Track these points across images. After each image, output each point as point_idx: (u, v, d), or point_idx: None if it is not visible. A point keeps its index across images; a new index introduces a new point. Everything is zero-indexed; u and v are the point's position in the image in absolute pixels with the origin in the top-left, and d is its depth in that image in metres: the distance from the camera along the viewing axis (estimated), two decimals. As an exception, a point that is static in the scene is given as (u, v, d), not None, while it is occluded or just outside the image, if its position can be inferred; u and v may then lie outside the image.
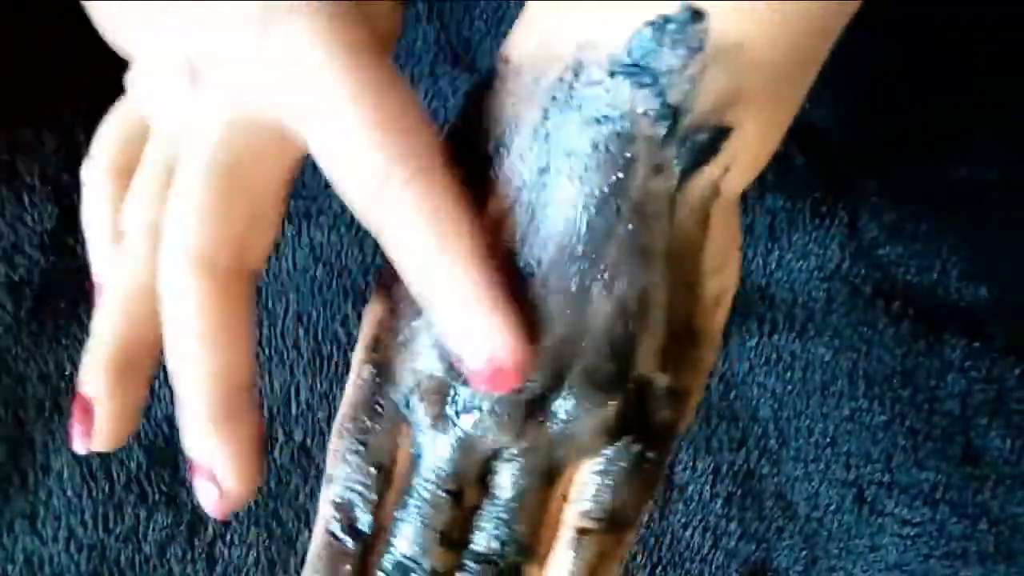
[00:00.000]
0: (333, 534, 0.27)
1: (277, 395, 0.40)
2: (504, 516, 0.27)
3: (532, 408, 0.26)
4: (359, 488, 0.28)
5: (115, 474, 0.39)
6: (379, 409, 0.28)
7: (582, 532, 0.27)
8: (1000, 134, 0.45)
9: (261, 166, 0.25)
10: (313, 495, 0.39)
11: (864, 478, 0.40)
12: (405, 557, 0.27)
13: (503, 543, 0.27)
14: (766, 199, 0.43)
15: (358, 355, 0.29)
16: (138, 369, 0.27)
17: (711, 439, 0.40)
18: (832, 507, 0.40)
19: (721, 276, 0.27)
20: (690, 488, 0.40)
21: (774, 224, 0.43)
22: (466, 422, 0.27)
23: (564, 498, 0.28)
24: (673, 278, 0.26)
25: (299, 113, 0.24)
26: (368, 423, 0.28)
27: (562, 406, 0.26)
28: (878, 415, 0.41)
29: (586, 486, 0.27)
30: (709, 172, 0.25)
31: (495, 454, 0.27)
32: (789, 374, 0.41)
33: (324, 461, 0.39)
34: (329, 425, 0.40)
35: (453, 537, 0.27)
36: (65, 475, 0.39)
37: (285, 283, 0.41)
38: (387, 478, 0.28)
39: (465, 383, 0.26)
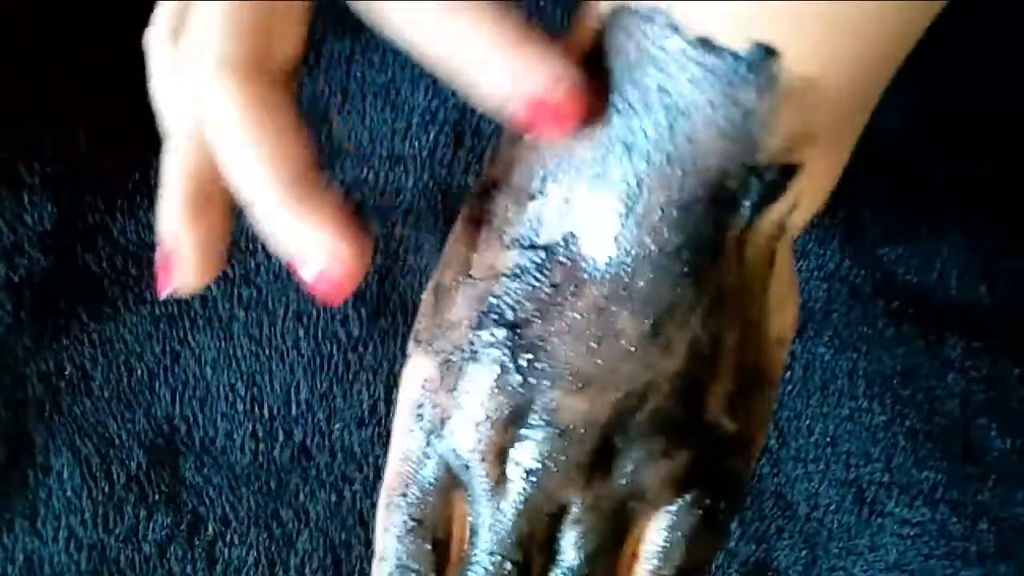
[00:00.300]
0: None
1: (277, 395, 0.40)
2: None
3: (597, 459, 0.25)
4: (415, 567, 0.26)
5: (115, 474, 0.39)
6: (432, 479, 0.26)
7: None
8: (1001, 134, 0.45)
9: None
10: (313, 495, 0.39)
11: (864, 478, 0.40)
12: None
13: None
14: (766, 199, 0.43)
15: (402, 422, 0.27)
16: (212, 202, 0.26)
17: (711, 439, 0.40)
18: (832, 507, 0.40)
19: (784, 315, 0.27)
20: (690, 488, 0.40)
21: (774, 224, 0.43)
22: (529, 480, 0.25)
23: (633, 555, 0.26)
24: (743, 319, 0.25)
25: None
26: (420, 495, 0.26)
27: (629, 456, 0.25)
28: (878, 415, 0.41)
29: (655, 543, 0.26)
30: (777, 210, 0.24)
31: (559, 516, 0.26)
32: (789, 374, 0.41)
33: (324, 461, 0.39)
34: (329, 425, 0.40)
35: None
36: (65, 475, 0.39)
37: (285, 283, 0.41)
38: (444, 553, 0.26)
39: (531, 426, 0.25)
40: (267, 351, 0.40)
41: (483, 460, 0.26)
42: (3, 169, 0.41)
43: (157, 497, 0.39)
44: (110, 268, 0.41)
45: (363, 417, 0.40)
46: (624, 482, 0.25)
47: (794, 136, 0.23)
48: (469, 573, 0.26)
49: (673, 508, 0.26)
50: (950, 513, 0.40)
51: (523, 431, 0.25)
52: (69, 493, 0.39)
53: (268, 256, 0.41)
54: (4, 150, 0.41)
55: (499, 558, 0.26)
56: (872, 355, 0.41)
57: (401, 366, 0.28)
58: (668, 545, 0.26)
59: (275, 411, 0.40)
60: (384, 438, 0.40)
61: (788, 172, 0.24)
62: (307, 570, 0.38)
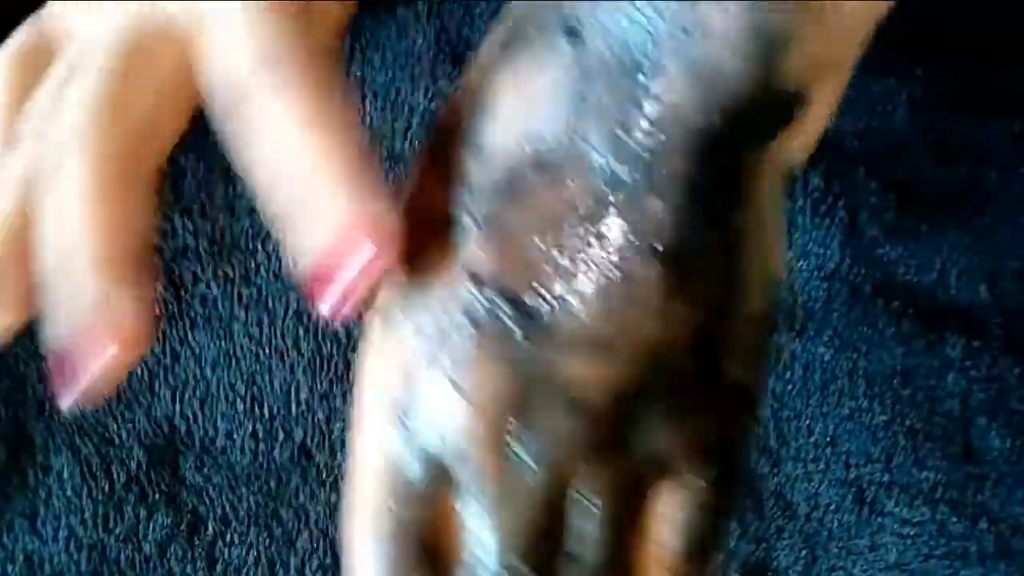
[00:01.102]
0: None
1: (277, 395, 0.40)
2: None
3: (612, 434, 0.22)
4: None
5: (115, 474, 0.39)
6: (416, 480, 0.23)
7: (670, 571, 0.24)
8: (1001, 134, 0.45)
9: (161, 57, 0.24)
10: (313, 495, 0.39)
11: (864, 478, 0.40)
12: None
13: None
14: (766, 199, 0.43)
15: (370, 416, 0.24)
16: (14, 269, 0.24)
17: (711, 439, 0.40)
18: (832, 507, 0.40)
19: (779, 254, 0.24)
20: (690, 488, 0.40)
21: (774, 224, 0.43)
22: (535, 467, 0.22)
23: (644, 536, 0.24)
24: (753, 258, 0.23)
25: (193, 14, 0.23)
26: (403, 501, 0.23)
27: (645, 426, 0.22)
28: (878, 415, 0.41)
29: (672, 520, 0.23)
30: (787, 141, 0.23)
31: (564, 501, 0.23)
32: (789, 373, 0.41)
33: (324, 461, 0.39)
34: (329, 425, 0.40)
35: None
36: (65, 475, 0.39)
37: (285, 283, 0.41)
38: (437, 566, 0.23)
39: (537, 403, 0.22)
40: (267, 351, 0.40)
41: (480, 448, 0.22)
42: (3, 169, 0.41)
43: (157, 497, 0.39)
44: (110, 268, 0.41)
45: (363, 417, 0.40)
46: (640, 457, 0.23)
47: (812, 62, 0.22)
48: None
49: (688, 479, 0.23)
50: (950, 513, 0.40)
51: (528, 410, 0.22)
52: (69, 493, 0.39)
53: (268, 256, 0.41)
54: (4, 150, 0.41)
55: (506, 560, 0.22)
56: (872, 355, 0.41)
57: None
58: (686, 520, 0.23)
59: (275, 411, 0.40)
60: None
61: (800, 101, 0.22)
62: (307, 570, 0.38)
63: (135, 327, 0.22)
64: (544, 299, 0.22)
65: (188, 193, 0.41)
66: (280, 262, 0.41)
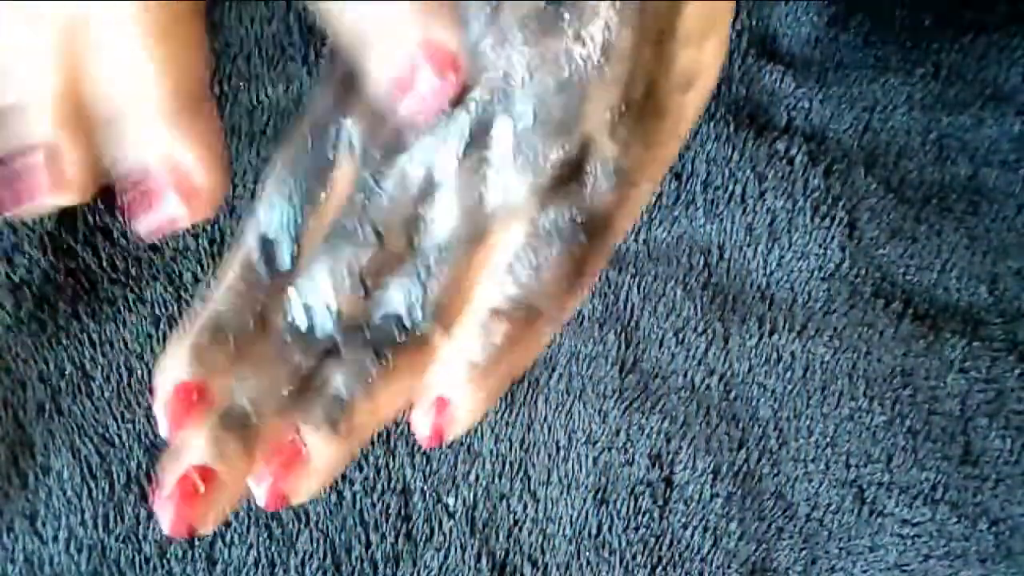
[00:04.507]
0: (251, 264, 0.26)
1: (277, 395, 0.40)
2: (421, 273, 0.26)
3: (472, 141, 0.25)
4: (288, 221, 0.26)
5: (115, 474, 0.39)
6: (330, 140, 0.26)
7: (494, 313, 0.26)
8: (1000, 134, 0.45)
9: None
10: (313, 495, 0.39)
11: (864, 478, 0.40)
12: (314, 296, 0.26)
13: (415, 301, 0.26)
14: (766, 199, 0.43)
15: (322, 86, 0.26)
16: (83, 118, 0.25)
17: (711, 439, 0.40)
18: (832, 507, 0.40)
19: (699, 50, 0.25)
20: (690, 488, 0.40)
21: (774, 224, 0.43)
22: (412, 146, 0.25)
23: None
24: (644, 28, 0.24)
25: None
26: (312, 157, 0.26)
27: (503, 139, 0.25)
28: (878, 415, 0.41)
29: (506, 263, 0.26)
30: None
31: (426, 199, 0.25)
32: (789, 374, 0.41)
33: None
34: (329, 425, 0.40)
35: (368, 283, 0.26)
36: (65, 475, 0.39)
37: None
38: (316, 212, 0.26)
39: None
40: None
41: (374, 130, 0.25)
42: (3, 169, 0.41)
43: (157, 497, 0.39)
44: (110, 268, 0.41)
45: (363, 417, 0.40)
46: (493, 168, 0.25)
47: None
48: (333, 235, 0.26)
49: (531, 227, 0.25)
50: (950, 513, 0.40)
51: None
52: (69, 493, 0.39)
53: None
54: (4, 150, 0.41)
55: (364, 225, 0.25)
56: (872, 355, 0.41)
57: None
58: (517, 266, 0.25)
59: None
60: (384, 438, 0.40)
61: None
62: (307, 570, 0.38)
63: (200, 184, 0.24)
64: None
65: (188, 193, 0.41)
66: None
